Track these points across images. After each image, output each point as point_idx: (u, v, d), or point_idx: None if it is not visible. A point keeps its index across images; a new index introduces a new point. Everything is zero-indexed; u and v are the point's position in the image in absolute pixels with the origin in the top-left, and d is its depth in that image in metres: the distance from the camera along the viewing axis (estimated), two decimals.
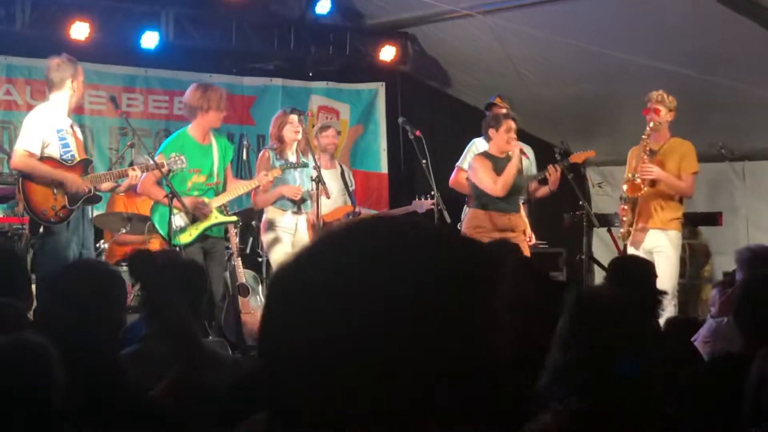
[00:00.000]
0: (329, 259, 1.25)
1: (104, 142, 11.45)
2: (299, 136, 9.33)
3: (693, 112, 10.32)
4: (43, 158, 8.11)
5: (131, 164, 10.35)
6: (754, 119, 10.69)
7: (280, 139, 9.30)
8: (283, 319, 1.24)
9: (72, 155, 8.26)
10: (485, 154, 9.31)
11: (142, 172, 8.50)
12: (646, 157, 8.90)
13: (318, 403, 1.19)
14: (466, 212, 9.42)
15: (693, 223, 10.62)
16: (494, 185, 9.04)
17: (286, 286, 1.26)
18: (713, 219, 10.30)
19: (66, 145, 8.24)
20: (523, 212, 9.59)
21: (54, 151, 8.16)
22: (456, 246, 1.28)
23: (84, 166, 8.34)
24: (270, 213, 9.37)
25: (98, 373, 3.25)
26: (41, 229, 8.14)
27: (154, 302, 4.19)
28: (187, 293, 4.32)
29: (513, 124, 9.24)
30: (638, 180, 8.91)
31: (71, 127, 8.40)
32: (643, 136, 8.96)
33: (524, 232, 9.35)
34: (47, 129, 8.16)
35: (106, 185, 8.59)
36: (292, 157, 9.32)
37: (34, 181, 8.10)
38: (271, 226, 9.33)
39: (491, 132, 9.27)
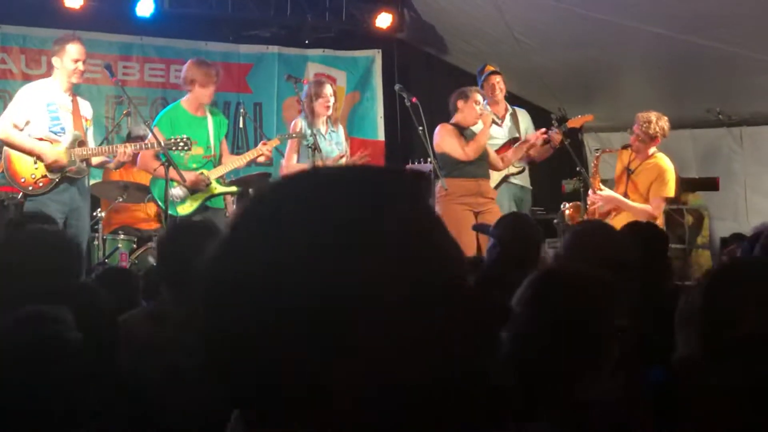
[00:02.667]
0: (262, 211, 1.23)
1: (100, 111, 11.39)
2: (329, 111, 9.33)
3: (690, 77, 10.32)
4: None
5: (128, 134, 10.37)
6: (752, 84, 10.66)
7: (312, 112, 9.26)
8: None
9: (62, 128, 8.37)
10: (452, 124, 9.33)
11: (133, 150, 8.57)
12: (594, 181, 9.08)
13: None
14: (437, 182, 9.41)
15: (691, 189, 10.61)
16: (462, 150, 9.09)
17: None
18: (711, 184, 10.30)
19: (56, 118, 8.35)
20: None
21: (41, 125, 8.29)
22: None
23: (72, 141, 8.41)
24: None
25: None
26: (20, 196, 8.40)
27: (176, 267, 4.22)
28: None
29: (480, 97, 9.30)
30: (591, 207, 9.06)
31: (72, 101, 8.52)
32: (597, 156, 9.08)
33: (493, 199, 9.35)
34: (33, 103, 8.30)
35: (96, 160, 8.67)
36: (323, 127, 9.32)
37: (15, 151, 8.27)
38: None
39: (459, 104, 9.31)
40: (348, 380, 1.15)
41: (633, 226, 5.37)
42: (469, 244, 8.38)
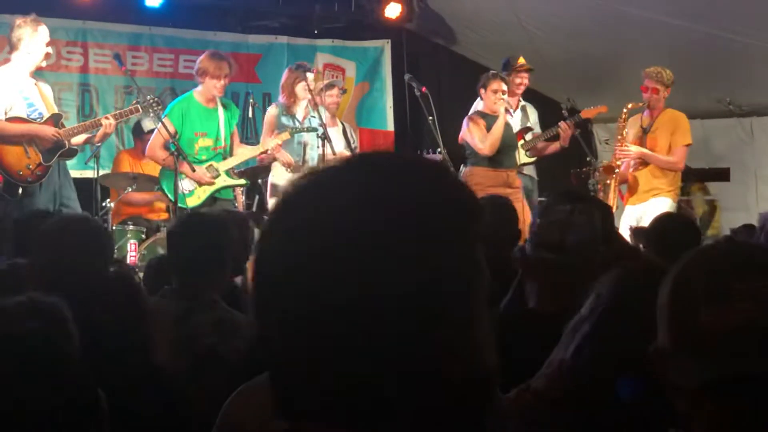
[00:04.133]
0: (314, 200, 1.21)
1: (109, 101, 11.40)
2: (308, 96, 9.33)
3: (700, 68, 10.27)
4: (10, 119, 7.97)
5: (137, 123, 10.35)
6: (763, 75, 10.61)
7: (291, 94, 9.30)
8: (273, 267, 1.21)
9: (40, 114, 8.13)
10: (479, 113, 9.39)
11: (116, 120, 8.47)
12: (620, 137, 9.03)
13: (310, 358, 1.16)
14: (464, 170, 9.40)
15: (702, 179, 10.60)
16: (481, 144, 9.13)
17: (273, 233, 1.23)
18: (722, 175, 10.28)
19: (31, 104, 8.10)
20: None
21: (20, 112, 8.03)
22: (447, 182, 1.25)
23: (54, 121, 8.18)
24: (275, 176, 9.36)
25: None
26: (20, 191, 7.96)
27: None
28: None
29: (501, 85, 9.27)
30: (616, 162, 9.05)
31: (35, 85, 8.21)
32: (625, 112, 9.07)
33: (519, 189, 9.35)
34: (8, 91, 7.99)
35: (78, 138, 8.37)
36: (300, 113, 9.34)
37: (4, 143, 7.94)
38: (275, 190, 9.32)
39: (481, 92, 9.37)
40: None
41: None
42: None
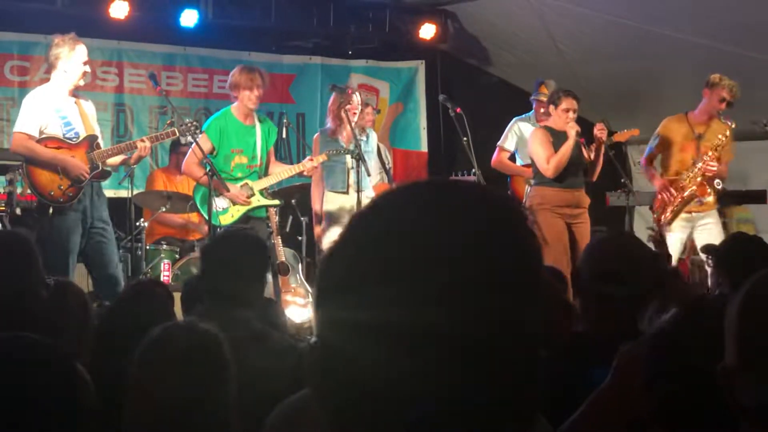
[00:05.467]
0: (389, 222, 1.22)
1: (144, 121, 11.47)
2: (356, 118, 9.27)
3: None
4: (43, 139, 7.95)
5: (172, 144, 10.36)
6: None
7: (337, 117, 9.25)
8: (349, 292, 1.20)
9: (76, 133, 8.07)
10: (547, 128, 9.10)
11: (151, 142, 8.44)
12: (712, 153, 8.97)
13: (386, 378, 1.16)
14: (530, 188, 9.25)
15: (738, 201, 10.55)
16: (546, 164, 8.86)
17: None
18: (759, 197, 10.22)
19: (68, 124, 8.04)
20: None
21: (56, 131, 7.99)
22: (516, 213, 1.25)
23: (90, 142, 8.13)
24: (329, 203, 9.24)
25: None
26: (50, 210, 7.93)
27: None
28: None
29: (573, 104, 8.96)
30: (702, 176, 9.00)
31: (75, 104, 8.16)
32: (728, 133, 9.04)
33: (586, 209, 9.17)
34: (44, 110, 7.96)
35: (114, 160, 8.33)
36: (344, 136, 9.27)
37: (38, 165, 7.92)
38: (331, 216, 9.20)
39: (550, 108, 9.11)
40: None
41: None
42: (560, 254, 8.32)
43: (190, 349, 2.82)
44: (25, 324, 3.21)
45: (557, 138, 8.93)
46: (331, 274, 1.22)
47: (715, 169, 8.94)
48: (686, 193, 8.97)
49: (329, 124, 9.35)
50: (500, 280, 1.17)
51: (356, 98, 9.28)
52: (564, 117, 8.92)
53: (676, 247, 8.93)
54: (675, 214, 9.02)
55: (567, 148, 8.83)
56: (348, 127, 9.17)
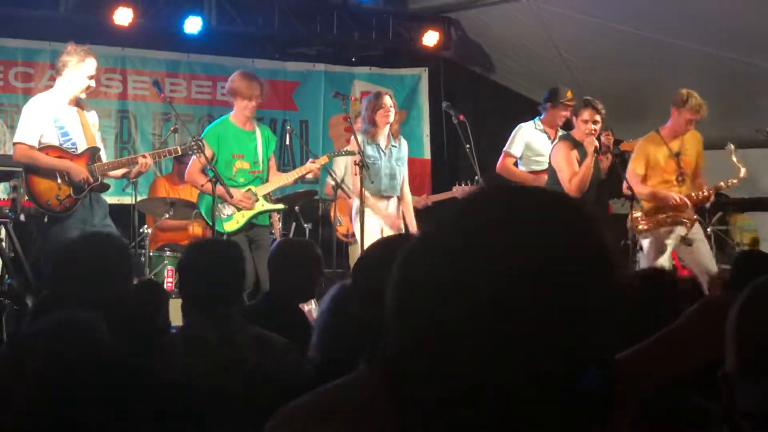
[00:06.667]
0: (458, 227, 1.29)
1: (147, 127, 11.48)
2: (390, 119, 9.25)
3: (738, 97, 10.23)
4: (44, 147, 7.93)
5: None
6: None
7: (373, 123, 9.21)
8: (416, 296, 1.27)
9: (74, 143, 8.04)
10: (571, 140, 9.04)
11: (153, 159, 8.41)
12: (709, 193, 9.07)
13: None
14: None
15: (741, 209, 10.54)
16: (569, 182, 8.80)
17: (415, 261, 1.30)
18: (762, 204, 10.22)
19: (66, 134, 8.01)
20: None
21: (53, 141, 7.96)
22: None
23: (91, 154, 8.12)
24: (369, 216, 9.14)
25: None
26: (46, 219, 7.96)
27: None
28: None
29: (593, 115, 8.90)
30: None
31: (77, 113, 8.15)
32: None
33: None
34: (42, 119, 7.94)
35: (115, 173, 8.34)
36: (383, 141, 9.26)
37: (37, 173, 7.91)
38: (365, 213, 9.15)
39: (573, 118, 9.14)
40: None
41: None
42: None
43: None
44: None
45: (580, 150, 8.90)
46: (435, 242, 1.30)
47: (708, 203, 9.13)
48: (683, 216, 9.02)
49: (367, 127, 9.27)
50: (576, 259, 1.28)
51: (388, 100, 9.25)
52: (583, 127, 8.89)
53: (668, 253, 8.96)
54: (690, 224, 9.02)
55: (586, 167, 8.80)
56: (385, 129, 9.23)
